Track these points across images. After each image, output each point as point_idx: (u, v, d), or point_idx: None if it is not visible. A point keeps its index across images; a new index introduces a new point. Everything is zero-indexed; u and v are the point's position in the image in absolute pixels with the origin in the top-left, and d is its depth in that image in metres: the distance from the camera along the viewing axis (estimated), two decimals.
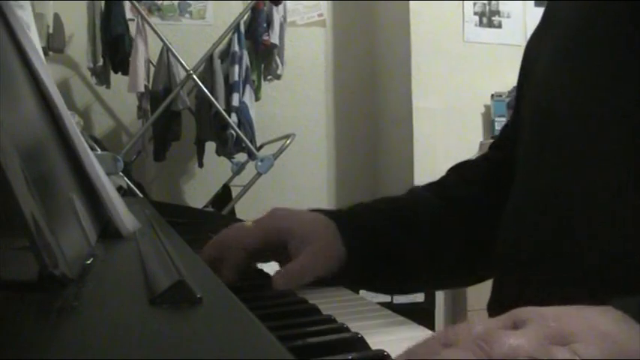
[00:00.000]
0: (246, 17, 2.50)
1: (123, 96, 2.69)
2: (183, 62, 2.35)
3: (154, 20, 2.64)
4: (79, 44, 2.61)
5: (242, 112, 2.41)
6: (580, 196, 0.51)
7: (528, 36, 0.67)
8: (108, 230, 0.55)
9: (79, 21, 2.53)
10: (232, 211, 2.47)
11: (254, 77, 2.57)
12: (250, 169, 2.50)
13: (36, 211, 0.31)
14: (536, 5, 2.92)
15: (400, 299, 2.13)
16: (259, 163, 2.34)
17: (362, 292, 0.73)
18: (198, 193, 2.90)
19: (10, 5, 0.48)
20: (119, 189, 1.96)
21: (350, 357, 0.36)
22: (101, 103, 2.88)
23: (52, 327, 0.27)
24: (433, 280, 0.76)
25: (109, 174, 0.68)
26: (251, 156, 2.44)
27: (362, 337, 0.39)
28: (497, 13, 2.92)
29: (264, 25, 2.52)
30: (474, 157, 0.79)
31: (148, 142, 2.63)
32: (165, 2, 2.91)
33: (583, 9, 0.55)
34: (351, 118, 3.16)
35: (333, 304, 0.57)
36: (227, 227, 0.66)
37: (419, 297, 2.39)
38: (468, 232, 0.69)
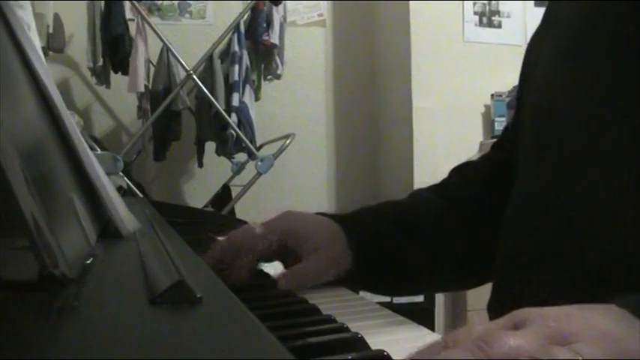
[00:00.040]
0: (246, 17, 2.50)
1: (123, 96, 2.69)
2: (183, 62, 2.35)
3: (154, 20, 2.64)
4: (79, 44, 2.61)
5: (242, 112, 2.41)
6: (581, 196, 0.51)
7: (528, 36, 0.67)
8: (108, 230, 0.55)
9: (79, 21, 2.53)
10: (232, 211, 2.47)
11: (254, 77, 2.57)
12: (250, 169, 2.50)
13: (36, 211, 0.31)
14: (536, 5, 2.92)
15: (400, 299, 2.13)
16: (259, 163, 2.34)
17: (362, 292, 0.73)
18: (198, 193, 2.90)
19: (10, 5, 0.48)
20: (119, 189, 1.96)
21: (350, 357, 0.36)
22: (101, 103, 2.88)
23: (52, 327, 0.27)
24: (436, 283, 0.76)
25: (109, 174, 0.68)
26: (251, 156, 2.44)
27: (362, 337, 0.39)
28: (498, 13, 2.92)
29: (264, 25, 2.52)
30: (475, 158, 0.79)
31: (148, 142, 2.63)
32: (165, 2, 2.91)
33: (584, 9, 0.55)
34: (351, 118, 3.16)
35: (333, 304, 0.57)
36: (237, 230, 0.66)
37: (419, 297, 2.39)
38: (470, 233, 0.70)
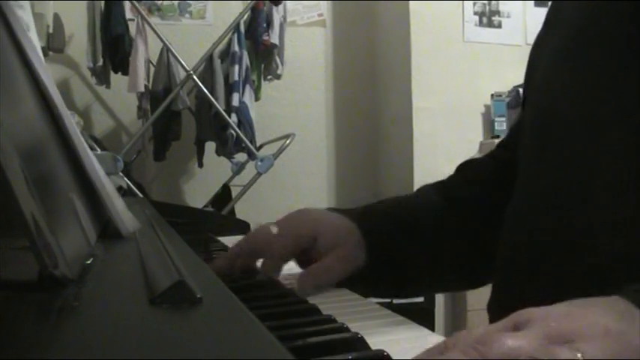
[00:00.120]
0: (246, 17, 2.50)
1: (123, 96, 2.69)
2: (183, 62, 2.35)
3: (154, 20, 2.64)
4: (79, 44, 2.61)
5: (242, 112, 2.41)
6: (581, 196, 0.51)
7: (528, 36, 0.68)
8: (108, 230, 0.55)
9: (79, 21, 2.53)
10: (232, 211, 2.47)
11: (254, 77, 2.58)
12: (250, 169, 2.50)
13: (36, 211, 0.31)
14: (536, 5, 2.92)
15: (400, 299, 2.13)
16: (259, 163, 2.34)
17: None
18: (198, 193, 2.90)
19: (10, 5, 0.48)
20: (119, 189, 1.96)
21: (350, 357, 0.36)
22: (101, 103, 2.88)
23: (52, 327, 0.27)
24: (435, 284, 0.76)
25: (109, 174, 0.68)
26: (251, 156, 2.44)
27: (362, 337, 0.39)
28: (497, 13, 2.92)
29: (264, 25, 2.52)
30: (479, 156, 0.79)
31: (148, 142, 2.63)
32: (165, 2, 2.91)
33: (584, 9, 0.55)
34: (351, 118, 3.17)
35: (333, 304, 0.57)
36: (254, 231, 0.65)
37: (419, 297, 2.39)
38: (470, 233, 0.69)
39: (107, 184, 0.56)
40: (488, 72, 2.86)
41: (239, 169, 2.72)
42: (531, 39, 0.69)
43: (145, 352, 0.24)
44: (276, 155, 2.38)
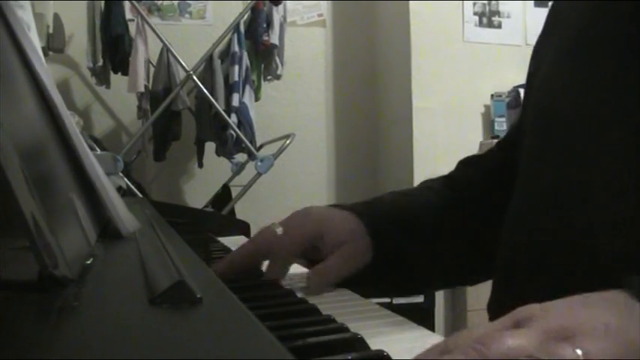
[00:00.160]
0: (246, 17, 2.50)
1: (123, 96, 2.69)
2: (183, 62, 2.35)
3: (153, 20, 2.64)
4: (79, 44, 2.61)
5: (242, 112, 2.41)
6: (581, 196, 0.51)
7: (528, 36, 0.68)
8: (108, 230, 0.55)
9: (79, 21, 2.53)
10: (232, 211, 2.47)
11: (254, 77, 2.58)
12: (250, 169, 2.50)
13: (36, 211, 0.31)
14: (536, 5, 2.92)
15: (400, 299, 2.13)
16: (259, 163, 2.34)
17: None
18: (198, 193, 2.90)
19: (10, 5, 0.48)
20: (119, 189, 1.96)
21: (350, 357, 0.36)
22: (101, 103, 2.88)
23: (52, 327, 0.27)
24: (435, 283, 0.76)
25: (109, 174, 0.68)
26: (251, 156, 2.44)
27: (362, 337, 0.39)
28: (497, 13, 2.92)
29: (264, 25, 2.52)
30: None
31: (148, 142, 2.63)
32: (165, 2, 2.91)
33: (585, 9, 0.55)
34: (351, 118, 3.17)
35: (333, 304, 0.57)
36: (259, 233, 0.65)
37: (419, 297, 2.39)
38: (470, 233, 0.70)
39: (107, 184, 0.56)
40: (488, 72, 2.86)
41: (239, 169, 2.72)
42: (531, 39, 0.69)
43: (144, 352, 0.24)
44: (276, 155, 2.38)
